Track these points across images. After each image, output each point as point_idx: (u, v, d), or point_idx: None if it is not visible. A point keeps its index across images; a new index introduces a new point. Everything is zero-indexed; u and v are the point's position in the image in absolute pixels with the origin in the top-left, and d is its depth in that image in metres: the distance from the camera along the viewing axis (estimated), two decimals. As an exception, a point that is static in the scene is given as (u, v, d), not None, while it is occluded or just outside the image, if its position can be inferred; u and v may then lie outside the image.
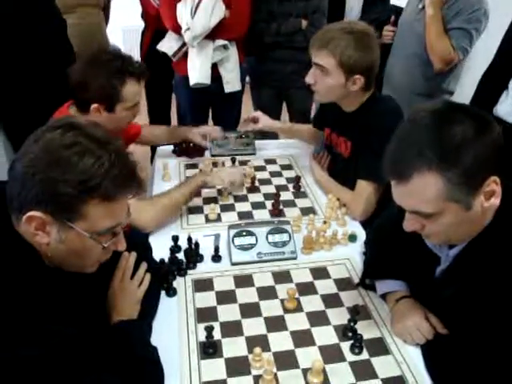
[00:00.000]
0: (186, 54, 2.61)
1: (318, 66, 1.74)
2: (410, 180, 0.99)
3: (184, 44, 2.59)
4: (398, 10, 2.67)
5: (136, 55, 3.14)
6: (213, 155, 2.24)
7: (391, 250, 1.36)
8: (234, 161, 2.12)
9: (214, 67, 2.60)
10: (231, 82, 2.67)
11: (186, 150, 2.23)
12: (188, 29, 2.43)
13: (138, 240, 1.39)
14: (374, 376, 1.17)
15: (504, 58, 2.17)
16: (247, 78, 3.00)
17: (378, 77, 1.85)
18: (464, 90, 2.57)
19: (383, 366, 1.20)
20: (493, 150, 0.97)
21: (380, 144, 1.66)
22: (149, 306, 1.29)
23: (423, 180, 0.98)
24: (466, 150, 0.95)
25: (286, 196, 1.92)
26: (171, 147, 2.27)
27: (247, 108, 3.24)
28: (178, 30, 2.52)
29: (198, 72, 2.55)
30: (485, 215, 1.04)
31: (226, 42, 2.55)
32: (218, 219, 1.78)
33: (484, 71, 2.28)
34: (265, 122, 2.23)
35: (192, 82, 2.57)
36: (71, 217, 0.93)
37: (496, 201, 1.00)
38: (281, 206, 1.84)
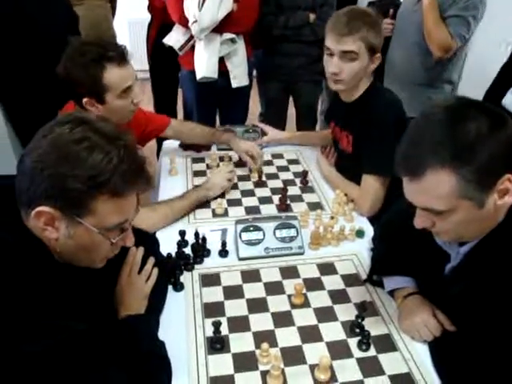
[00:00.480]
0: (192, 48, 2.59)
1: (347, 52, 1.70)
2: (423, 177, 0.98)
3: (191, 37, 2.57)
4: (397, 4, 2.68)
5: (142, 48, 3.15)
6: (219, 149, 2.24)
7: (400, 246, 1.35)
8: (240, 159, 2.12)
9: (222, 61, 2.58)
10: (238, 76, 2.65)
11: (193, 144, 2.22)
12: (195, 21, 2.41)
13: (146, 235, 1.39)
14: (381, 373, 1.17)
15: None
16: (254, 72, 2.99)
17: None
18: (466, 80, 2.58)
19: (390, 362, 1.19)
20: (508, 148, 0.95)
21: (380, 137, 1.67)
22: (156, 301, 1.29)
23: (436, 177, 0.97)
24: (480, 147, 0.93)
25: (293, 191, 1.92)
26: (178, 142, 2.27)
27: (254, 103, 3.24)
28: (184, 22, 2.50)
29: (204, 66, 2.53)
30: (497, 213, 1.03)
31: (233, 36, 2.53)
32: (225, 214, 1.78)
33: (500, 68, 2.27)
34: (272, 136, 2.26)
35: (199, 76, 2.55)
36: (80, 212, 0.93)
37: (510, 199, 0.99)
38: (288, 201, 1.84)
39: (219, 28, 2.47)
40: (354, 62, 1.71)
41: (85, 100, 1.56)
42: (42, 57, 2.22)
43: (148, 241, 1.37)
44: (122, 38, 2.94)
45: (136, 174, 0.97)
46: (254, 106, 3.33)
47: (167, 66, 3.05)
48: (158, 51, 3.01)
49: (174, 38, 2.64)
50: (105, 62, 1.53)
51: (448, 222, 1.02)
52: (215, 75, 2.55)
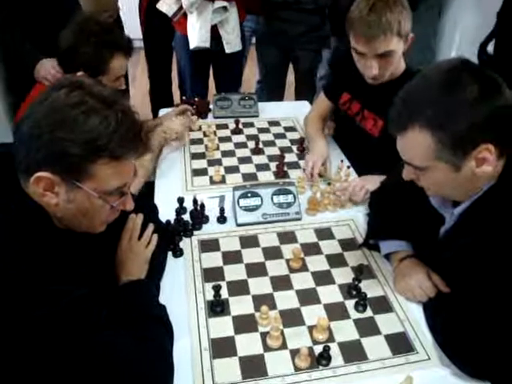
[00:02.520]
0: (186, 14, 2.55)
1: (384, 54, 1.60)
2: (405, 134, 1.05)
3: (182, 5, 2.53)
4: None
5: (135, 17, 3.10)
6: (216, 117, 2.24)
7: (395, 210, 1.37)
8: (237, 123, 2.12)
9: (214, 27, 2.55)
10: (232, 42, 2.63)
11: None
12: (185, -6, 2.38)
13: (145, 202, 1.40)
14: (377, 332, 1.20)
15: None
16: (253, 39, 2.95)
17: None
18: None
19: (386, 323, 1.23)
20: (494, 118, 0.97)
21: None
22: (156, 267, 1.31)
23: (415, 136, 1.03)
24: (461, 115, 0.96)
25: (290, 158, 1.92)
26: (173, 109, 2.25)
27: (252, 70, 3.22)
28: (175, -7, 2.47)
29: (197, 35, 2.51)
30: (479, 180, 1.06)
31: (225, 4, 2.49)
32: (223, 181, 1.79)
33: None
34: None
35: (192, 45, 2.54)
36: (79, 177, 0.93)
37: (488, 168, 1.01)
38: (285, 168, 1.85)
39: (210, -4, 2.43)
40: (392, 56, 1.61)
41: (79, 73, 1.58)
42: (51, 23, 2.18)
43: (147, 208, 1.38)
44: (113, 6, 2.87)
45: (134, 138, 0.97)
46: (251, 73, 3.31)
47: (161, 34, 3.01)
48: (150, 19, 2.96)
49: (167, 4, 2.60)
50: (116, 50, 1.65)
51: (427, 178, 1.09)
52: (207, 44, 2.54)
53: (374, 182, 1.61)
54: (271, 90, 3.06)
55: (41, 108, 0.91)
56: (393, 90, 1.64)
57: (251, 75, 3.34)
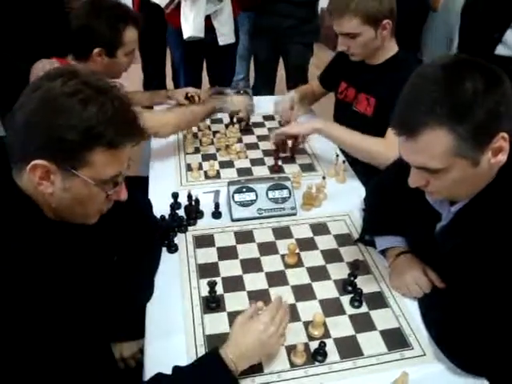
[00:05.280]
0: (178, 6, 2.53)
1: (345, 34, 1.70)
2: (420, 136, 0.98)
3: (176, -5, 2.51)
4: None
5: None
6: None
7: (391, 206, 1.36)
8: (232, 118, 2.10)
9: (208, 18, 2.53)
10: (225, 34, 2.62)
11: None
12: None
13: (139, 197, 1.39)
14: (373, 328, 1.20)
15: None
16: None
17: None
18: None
19: (381, 318, 1.23)
20: (503, 105, 0.95)
21: None
22: (151, 262, 1.31)
23: (433, 136, 0.96)
24: (477, 105, 0.93)
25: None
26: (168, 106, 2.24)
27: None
28: (169, -18, 2.44)
29: (191, 25, 2.49)
30: (490, 172, 1.04)
31: (219, -6, 2.48)
32: (218, 176, 1.78)
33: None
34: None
35: (185, 35, 2.52)
36: (76, 164, 0.92)
37: (503, 157, 1.00)
38: (280, 163, 1.84)
39: (205, -14, 2.41)
40: (357, 38, 1.70)
41: (97, 50, 1.68)
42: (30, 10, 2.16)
43: (141, 203, 1.37)
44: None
45: (130, 126, 0.97)
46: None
47: (154, 27, 2.97)
48: (144, 12, 2.93)
49: (159, -4, 2.57)
50: (128, 22, 1.72)
51: (443, 180, 1.03)
52: (202, 34, 2.52)
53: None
54: (262, 83, 3.06)
55: (36, 97, 0.90)
56: (384, 70, 1.74)
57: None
